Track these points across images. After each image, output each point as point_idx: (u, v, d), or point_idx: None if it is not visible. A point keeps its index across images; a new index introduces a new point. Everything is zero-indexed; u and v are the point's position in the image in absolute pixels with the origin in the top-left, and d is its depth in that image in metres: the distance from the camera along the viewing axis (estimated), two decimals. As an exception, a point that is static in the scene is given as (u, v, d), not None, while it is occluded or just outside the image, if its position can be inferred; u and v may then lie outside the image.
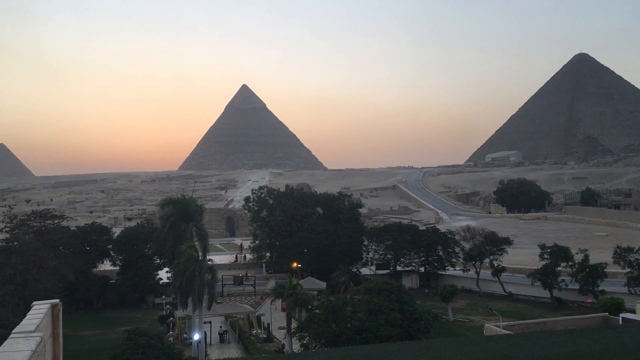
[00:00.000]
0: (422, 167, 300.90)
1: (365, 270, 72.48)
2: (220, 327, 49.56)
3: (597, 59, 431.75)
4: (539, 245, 63.38)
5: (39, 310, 9.91)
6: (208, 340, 45.09)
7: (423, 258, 72.71)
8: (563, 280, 58.72)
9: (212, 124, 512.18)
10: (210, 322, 47.53)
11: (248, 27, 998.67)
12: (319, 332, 36.75)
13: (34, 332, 8.32)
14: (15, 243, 51.31)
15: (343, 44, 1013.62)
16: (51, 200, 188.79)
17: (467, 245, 69.58)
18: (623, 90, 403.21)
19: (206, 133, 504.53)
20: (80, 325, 51.56)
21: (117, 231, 76.16)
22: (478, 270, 66.78)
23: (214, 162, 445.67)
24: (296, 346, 40.36)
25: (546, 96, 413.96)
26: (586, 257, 58.75)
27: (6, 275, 42.35)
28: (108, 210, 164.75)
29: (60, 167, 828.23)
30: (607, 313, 38.01)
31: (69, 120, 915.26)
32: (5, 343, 7.75)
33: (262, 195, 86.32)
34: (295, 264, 69.86)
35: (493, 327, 33.80)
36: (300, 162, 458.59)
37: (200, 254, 45.64)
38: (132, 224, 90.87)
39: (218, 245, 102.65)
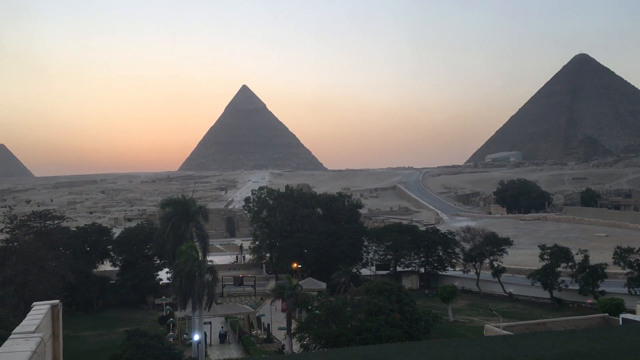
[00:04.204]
0: (422, 168, 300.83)
1: (365, 271, 72.46)
2: (222, 327, 49.55)
3: (597, 59, 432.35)
4: (539, 246, 63.37)
5: (39, 310, 9.90)
6: (208, 340, 45.10)
7: (423, 259, 72.72)
8: (563, 281, 58.71)
9: (212, 124, 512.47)
10: (210, 323, 47.51)
11: (248, 27, 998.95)
12: (319, 332, 36.76)
13: (34, 332, 8.31)
14: (16, 243, 51.31)
15: (343, 45, 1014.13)
16: (51, 200, 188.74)
17: (467, 246, 69.57)
18: (623, 91, 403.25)
19: (206, 134, 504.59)
20: (80, 325, 51.55)
21: (117, 232, 76.14)
22: (478, 270, 66.77)
23: (214, 162, 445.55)
24: (296, 347, 40.35)
25: (546, 97, 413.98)
26: (586, 257, 58.74)
27: (6, 275, 42.35)
28: (108, 211, 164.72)
29: (60, 168, 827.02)
30: (607, 314, 38.09)
31: (69, 121, 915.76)
32: (5, 343, 7.75)
33: (262, 196, 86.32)
34: (295, 265, 69.86)
35: (493, 328, 33.84)
36: (300, 162, 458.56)
37: (200, 254, 45.67)
38: (132, 224, 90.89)
39: (218, 246, 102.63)
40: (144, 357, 31.28)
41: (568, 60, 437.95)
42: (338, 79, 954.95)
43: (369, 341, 33.16)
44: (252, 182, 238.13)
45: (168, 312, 54.47)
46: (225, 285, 64.91)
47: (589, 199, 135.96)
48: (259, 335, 48.50)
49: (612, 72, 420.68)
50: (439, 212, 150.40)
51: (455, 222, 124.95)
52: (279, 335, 46.89)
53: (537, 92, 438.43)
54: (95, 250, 66.13)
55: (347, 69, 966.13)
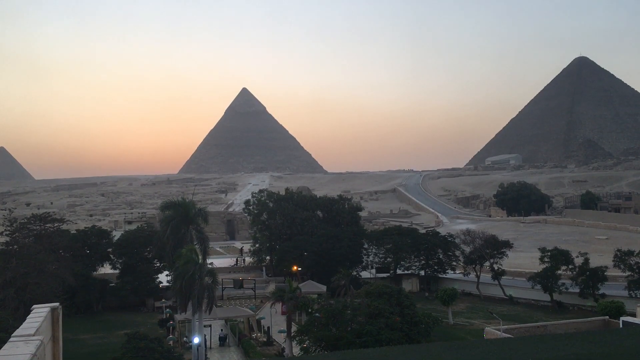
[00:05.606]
0: (422, 171, 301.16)
1: (365, 274, 72.42)
2: (222, 330, 49.50)
3: (597, 62, 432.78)
4: (539, 249, 63.41)
5: (39, 313, 9.90)
6: (208, 343, 45.05)
7: (423, 261, 72.68)
8: (563, 284, 58.71)
9: (212, 127, 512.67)
10: (210, 326, 47.47)
11: (248, 30, 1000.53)
12: (319, 335, 36.71)
13: (33, 335, 8.31)
14: (15, 246, 51.36)
15: (343, 47, 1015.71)
16: (51, 203, 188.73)
17: (467, 249, 69.57)
18: (623, 94, 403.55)
19: (206, 136, 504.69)
20: (80, 328, 51.47)
21: (117, 234, 76.14)
22: (478, 273, 66.74)
23: (214, 165, 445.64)
24: (296, 350, 40.31)
25: (546, 99, 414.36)
26: (586, 260, 58.74)
27: (6, 278, 42.33)
28: (108, 214, 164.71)
29: (61, 171, 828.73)
30: (607, 316, 38.11)
31: (69, 124, 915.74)
32: (5, 346, 7.74)
33: (262, 199, 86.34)
34: (295, 268, 69.80)
35: (493, 331, 33.85)
36: (301, 165, 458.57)
37: (200, 257, 45.60)
38: (132, 227, 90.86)
39: (218, 249, 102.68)
40: (143, 360, 31.24)
41: (568, 63, 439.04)
42: (338, 81, 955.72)
43: (369, 344, 33.09)
44: (252, 185, 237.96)
45: (168, 314, 54.39)
46: (225, 288, 64.89)
47: (589, 202, 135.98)
48: (259, 338, 48.46)
49: (612, 75, 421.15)
50: (439, 214, 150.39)
51: (455, 225, 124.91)
52: (279, 338, 46.85)
53: (537, 94, 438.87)
54: (95, 253, 66.13)
55: (347, 71, 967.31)
